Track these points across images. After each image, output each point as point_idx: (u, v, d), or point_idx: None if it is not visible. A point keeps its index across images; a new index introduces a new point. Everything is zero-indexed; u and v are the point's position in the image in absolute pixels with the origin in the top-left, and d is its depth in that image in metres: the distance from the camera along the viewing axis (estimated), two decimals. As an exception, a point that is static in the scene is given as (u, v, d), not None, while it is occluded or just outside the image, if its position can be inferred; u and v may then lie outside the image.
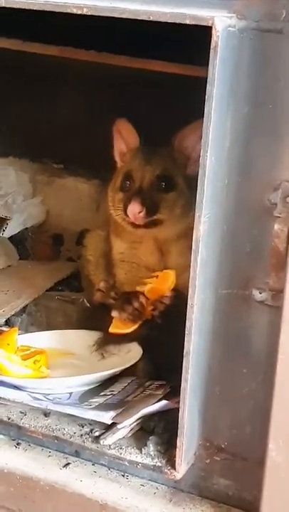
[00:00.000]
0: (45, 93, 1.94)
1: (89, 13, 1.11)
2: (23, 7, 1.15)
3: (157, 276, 1.46)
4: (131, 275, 1.53)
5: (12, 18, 1.36)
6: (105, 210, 1.60)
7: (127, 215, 1.41)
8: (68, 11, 1.13)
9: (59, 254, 2.02)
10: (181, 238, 1.44)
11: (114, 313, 1.44)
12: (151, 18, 1.06)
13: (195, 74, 1.50)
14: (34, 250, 2.02)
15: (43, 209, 2.03)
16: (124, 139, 1.51)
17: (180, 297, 1.37)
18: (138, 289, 1.46)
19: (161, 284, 1.45)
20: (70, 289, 1.79)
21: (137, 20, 1.09)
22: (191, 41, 1.22)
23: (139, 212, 1.39)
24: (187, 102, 1.35)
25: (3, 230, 1.84)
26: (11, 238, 1.97)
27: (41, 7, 1.14)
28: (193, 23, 1.04)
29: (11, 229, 1.96)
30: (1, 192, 1.96)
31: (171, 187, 1.43)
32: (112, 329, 1.45)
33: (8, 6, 1.16)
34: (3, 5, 1.16)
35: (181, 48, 1.51)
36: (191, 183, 1.28)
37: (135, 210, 1.38)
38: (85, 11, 1.11)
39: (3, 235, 1.90)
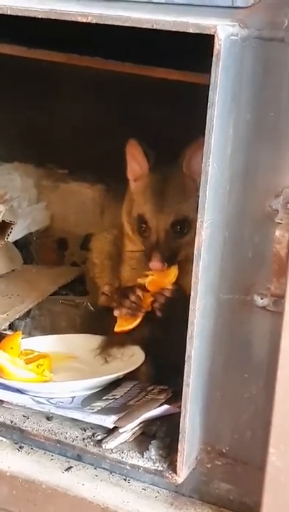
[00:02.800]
0: (50, 99, 1.95)
1: (94, 22, 1.13)
2: (29, 15, 1.16)
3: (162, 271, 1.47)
4: (136, 272, 1.54)
5: (17, 25, 1.38)
6: (114, 213, 1.61)
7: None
8: (73, 19, 1.14)
9: (63, 258, 2.03)
10: None
11: (115, 312, 1.47)
12: (155, 27, 1.08)
13: (199, 81, 1.51)
14: (38, 255, 2.03)
15: (48, 214, 2.04)
16: (138, 162, 1.52)
17: (181, 292, 1.39)
18: (139, 280, 1.48)
19: (163, 278, 1.46)
20: (74, 293, 1.80)
21: (141, 28, 1.10)
22: (195, 49, 1.24)
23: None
24: (191, 109, 1.37)
25: (8, 235, 1.85)
26: (15, 243, 1.97)
27: (47, 15, 1.16)
28: (196, 31, 1.05)
29: (16, 233, 1.97)
30: (6, 197, 1.97)
31: (185, 228, 1.46)
32: (116, 329, 1.48)
33: (13, 14, 1.17)
34: (8, 13, 1.18)
35: (185, 55, 1.52)
36: None
37: (157, 267, 1.43)
38: (89, 19, 1.13)
39: (8, 240, 1.91)
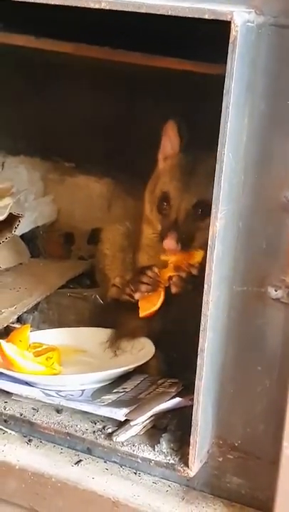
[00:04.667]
0: (57, 91, 1.94)
1: (107, 8, 1.11)
2: (43, 2, 1.14)
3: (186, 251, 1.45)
4: (153, 260, 1.52)
5: (24, 15, 1.36)
6: (121, 207, 1.59)
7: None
8: (86, 5, 1.13)
9: (70, 252, 2.02)
10: None
11: (136, 296, 1.46)
12: (170, 13, 1.06)
13: (209, 71, 1.50)
14: (45, 249, 2.02)
15: (55, 208, 2.03)
16: (171, 143, 1.51)
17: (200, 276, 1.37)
18: (163, 257, 1.47)
19: (188, 259, 1.44)
20: (82, 287, 1.79)
21: (152, 16, 1.08)
22: (207, 38, 1.22)
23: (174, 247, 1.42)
24: (201, 100, 1.35)
25: (16, 228, 1.84)
26: (22, 236, 1.96)
27: (60, 1, 1.14)
28: (212, 17, 1.04)
29: (23, 227, 1.95)
30: (12, 190, 1.96)
31: (207, 212, 1.44)
32: (141, 313, 1.46)
33: (27, 0, 1.15)
34: (24, -1, 1.16)
35: (196, 45, 1.51)
36: None
37: (170, 246, 1.41)
38: (102, 5, 1.11)
39: (15, 233, 1.90)
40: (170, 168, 1.50)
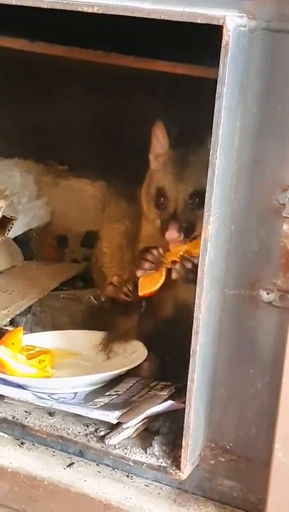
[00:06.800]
0: (51, 94, 1.94)
1: (100, 12, 1.11)
2: (34, 5, 1.15)
3: (192, 241, 1.44)
4: None
5: (18, 19, 1.36)
6: (115, 210, 1.58)
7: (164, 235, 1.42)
8: (79, 9, 1.13)
9: (64, 255, 2.02)
10: None
11: (138, 273, 1.44)
12: (163, 17, 1.06)
13: (202, 75, 1.50)
14: (39, 251, 2.02)
15: (48, 210, 2.03)
16: (160, 142, 1.52)
17: None
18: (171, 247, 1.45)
19: (194, 248, 1.43)
20: (75, 289, 1.79)
21: (145, 20, 1.09)
22: (199, 42, 1.23)
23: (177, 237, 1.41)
24: (194, 104, 1.36)
25: (9, 230, 1.84)
26: (15, 239, 1.96)
27: (52, 5, 1.14)
28: (204, 22, 1.04)
29: (16, 230, 1.95)
30: (6, 192, 1.96)
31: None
32: (140, 292, 1.44)
33: (18, 4, 1.15)
34: (14, 3, 1.16)
35: (188, 49, 1.51)
36: None
37: (173, 236, 1.41)
38: (95, 10, 1.11)
39: (8, 236, 1.90)
40: (162, 164, 1.51)
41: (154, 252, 1.44)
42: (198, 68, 1.57)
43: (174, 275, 1.41)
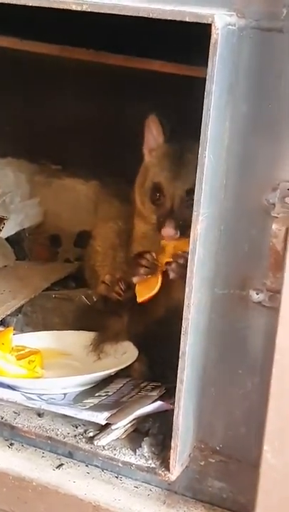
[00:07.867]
0: (43, 93, 1.94)
1: (89, 10, 1.11)
2: (21, 3, 1.14)
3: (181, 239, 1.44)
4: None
5: (9, 17, 1.35)
6: (108, 209, 1.58)
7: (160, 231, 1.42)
8: (68, 7, 1.12)
9: (56, 255, 2.01)
10: None
11: (134, 279, 1.44)
12: (151, 16, 1.06)
13: (193, 74, 1.50)
14: (31, 251, 2.01)
15: (41, 210, 2.03)
16: (154, 136, 1.51)
17: None
18: (163, 242, 1.45)
19: (185, 246, 1.42)
20: (67, 289, 1.78)
21: (136, 19, 1.08)
22: (190, 42, 1.22)
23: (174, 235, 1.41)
24: (185, 102, 1.35)
25: (0, 230, 1.83)
26: (7, 239, 1.96)
27: (41, 3, 1.14)
28: (193, 20, 1.03)
29: (8, 229, 1.95)
30: (-2, 192, 1.96)
31: None
32: (139, 299, 1.43)
33: (6, 1, 1.15)
34: (2, 1, 1.16)
35: (180, 48, 1.51)
36: None
37: (170, 233, 1.40)
38: (84, 8, 1.11)
39: (0, 235, 1.89)
40: (157, 159, 1.50)
41: (148, 256, 1.44)
42: (190, 68, 1.57)
43: (171, 275, 1.40)
